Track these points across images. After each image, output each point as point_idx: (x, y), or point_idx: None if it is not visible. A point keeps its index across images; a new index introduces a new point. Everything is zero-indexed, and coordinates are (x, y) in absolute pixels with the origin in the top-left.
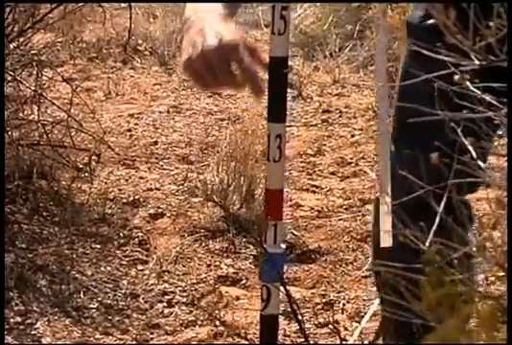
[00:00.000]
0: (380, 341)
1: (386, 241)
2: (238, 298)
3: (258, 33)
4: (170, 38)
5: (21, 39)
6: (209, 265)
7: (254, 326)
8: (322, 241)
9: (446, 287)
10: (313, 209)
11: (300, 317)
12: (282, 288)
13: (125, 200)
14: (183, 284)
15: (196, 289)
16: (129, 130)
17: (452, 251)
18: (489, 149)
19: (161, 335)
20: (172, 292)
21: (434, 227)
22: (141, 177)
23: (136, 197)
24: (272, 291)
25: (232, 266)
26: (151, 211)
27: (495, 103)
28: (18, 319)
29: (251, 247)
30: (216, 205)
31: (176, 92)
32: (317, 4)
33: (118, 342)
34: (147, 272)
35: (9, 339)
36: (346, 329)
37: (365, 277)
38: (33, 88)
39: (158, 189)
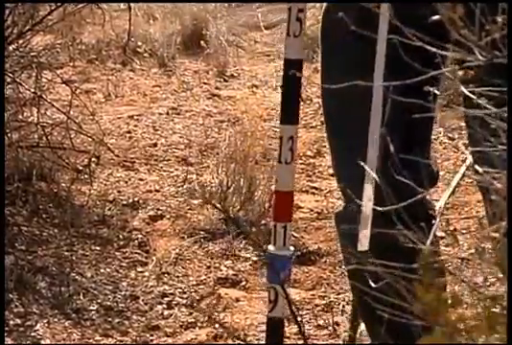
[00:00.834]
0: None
1: (364, 244)
2: (237, 300)
3: (257, 34)
4: (169, 40)
5: (20, 41)
6: (209, 267)
7: (254, 328)
8: (322, 242)
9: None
10: (312, 211)
11: (300, 319)
12: (281, 291)
13: (124, 202)
14: (183, 285)
15: (195, 291)
16: (129, 132)
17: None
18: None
19: (161, 337)
20: (171, 294)
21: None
22: (140, 179)
23: (136, 199)
24: (280, 293)
25: (232, 268)
26: (151, 213)
27: (489, 107)
28: (18, 321)
29: (251, 249)
30: (215, 207)
31: (176, 94)
32: (317, 5)
33: (118, 344)
34: (146, 274)
35: (8, 341)
36: (346, 331)
37: None
38: (32, 90)
39: (158, 191)
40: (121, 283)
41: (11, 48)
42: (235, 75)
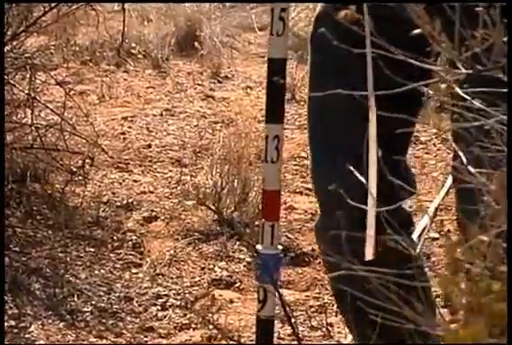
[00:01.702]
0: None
1: (369, 254)
2: (232, 301)
3: (251, 35)
4: (163, 42)
5: (14, 43)
6: (203, 269)
7: (248, 329)
8: (316, 243)
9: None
10: (306, 212)
11: (293, 320)
12: (273, 290)
13: (118, 203)
14: (177, 287)
15: (189, 293)
16: (123, 133)
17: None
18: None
19: (155, 339)
20: (165, 295)
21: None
22: (135, 180)
23: (130, 201)
24: (269, 293)
25: (226, 270)
26: (145, 214)
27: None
28: (12, 323)
29: (245, 250)
30: (209, 209)
31: (170, 95)
32: (311, 6)
33: None
34: (140, 275)
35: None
36: (340, 332)
37: None
38: (26, 92)
39: (152, 192)
40: (115, 284)
41: (4, 49)
42: (229, 76)
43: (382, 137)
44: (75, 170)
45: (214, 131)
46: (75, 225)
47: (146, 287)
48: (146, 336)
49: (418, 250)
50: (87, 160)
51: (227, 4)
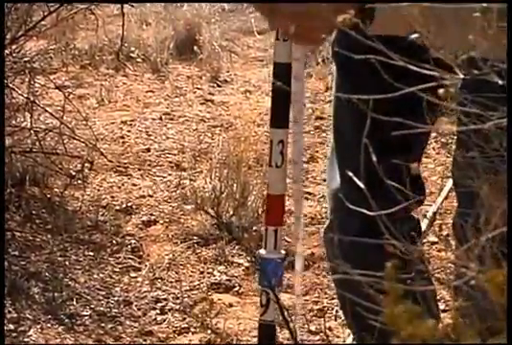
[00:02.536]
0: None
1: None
2: (231, 305)
3: (251, 39)
4: (162, 45)
5: (14, 46)
6: (202, 273)
7: (247, 333)
8: (315, 247)
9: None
10: (306, 216)
11: (292, 324)
12: (273, 295)
13: (117, 207)
14: (176, 291)
15: (188, 297)
16: (122, 137)
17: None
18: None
19: (154, 343)
20: (164, 299)
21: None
22: (134, 184)
23: (129, 205)
24: (272, 297)
25: (225, 274)
26: (144, 218)
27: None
28: (11, 326)
29: (244, 254)
30: (208, 213)
31: (169, 99)
32: None
33: None
34: (139, 279)
35: None
36: (338, 336)
37: None
38: (25, 95)
39: (151, 196)
40: (114, 288)
41: (4, 53)
42: (228, 80)
43: (394, 143)
44: (74, 173)
45: (213, 135)
46: (74, 229)
47: (145, 291)
48: (145, 340)
49: (418, 254)
50: (86, 164)
51: (227, 8)
